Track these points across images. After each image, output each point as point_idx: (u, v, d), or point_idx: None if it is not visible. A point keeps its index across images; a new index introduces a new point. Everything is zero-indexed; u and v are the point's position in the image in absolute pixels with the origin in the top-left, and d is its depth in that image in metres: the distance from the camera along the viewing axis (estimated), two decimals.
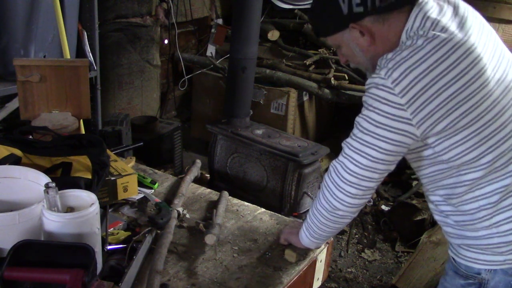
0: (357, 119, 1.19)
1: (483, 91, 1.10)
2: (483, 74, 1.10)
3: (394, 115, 1.11)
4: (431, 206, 1.31)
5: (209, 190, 1.88)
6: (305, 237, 1.43)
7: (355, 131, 1.19)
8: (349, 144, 1.20)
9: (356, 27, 1.18)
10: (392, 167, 1.20)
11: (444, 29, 1.12)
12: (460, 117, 1.10)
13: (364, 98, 1.18)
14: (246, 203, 1.80)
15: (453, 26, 1.13)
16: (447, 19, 1.14)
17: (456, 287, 1.27)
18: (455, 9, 1.18)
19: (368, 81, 1.16)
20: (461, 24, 1.15)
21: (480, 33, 1.16)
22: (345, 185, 1.21)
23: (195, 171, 1.98)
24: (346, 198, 1.23)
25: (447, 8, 1.17)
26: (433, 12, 1.15)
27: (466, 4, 1.22)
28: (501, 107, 1.13)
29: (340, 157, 1.23)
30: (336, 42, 1.27)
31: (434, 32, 1.11)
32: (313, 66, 3.71)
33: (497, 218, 1.17)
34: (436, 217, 1.31)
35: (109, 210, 1.60)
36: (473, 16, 1.20)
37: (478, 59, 1.10)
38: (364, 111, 1.17)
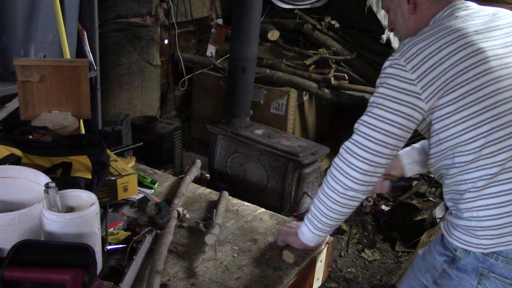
0: (371, 98, 1.29)
1: (486, 77, 1.19)
2: (487, 63, 1.19)
3: (404, 89, 1.21)
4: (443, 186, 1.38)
5: (209, 190, 1.88)
6: (307, 231, 1.43)
7: (369, 108, 1.28)
8: (362, 121, 1.27)
9: None
10: (401, 144, 1.27)
11: (463, 21, 1.25)
12: (461, 96, 1.19)
13: (378, 80, 1.28)
14: (246, 203, 1.80)
15: (476, 21, 1.25)
16: (475, 16, 1.27)
17: (435, 252, 1.34)
18: (493, 12, 1.31)
19: (384, 64, 1.27)
20: (488, 22, 1.26)
21: (507, 34, 1.27)
22: (357, 161, 1.26)
23: (195, 171, 1.98)
24: (357, 175, 1.27)
25: (484, 10, 1.31)
26: (467, 10, 1.28)
27: (508, 15, 1.33)
28: (502, 97, 1.20)
29: (354, 136, 1.29)
30: (388, 4, 1.42)
31: (452, 22, 1.24)
32: (313, 66, 3.71)
33: (479, 203, 1.23)
34: (444, 196, 1.37)
35: (109, 210, 1.60)
36: (511, 22, 1.31)
37: (484, 49, 1.20)
38: (378, 89, 1.27)
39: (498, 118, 1.19)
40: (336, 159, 1.32)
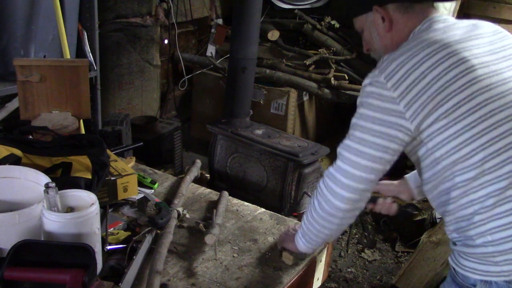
0: (352, 119, 1.21)
1: (475, 86, 1.12)
2: (474, 71, 1.12)
3: (387, 109, 1.14)
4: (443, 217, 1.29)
5: (209, 190, 1.88)
6: (302, 244, 1.41)
7: (350, 131, 1.21)
8: (345, 145, 1.21)
9: (379, 10, 1.27)
10: (388, 167, 1.20)
11: (443, 32, 1.19)
12: (451, 109, 1.12)
13: (358, 99, 1.21)
14: (246, 203, 1.80)
15: (456, 31, 1.19)
16: (455, 27, 1.21)
17: None
18: (473, 22, 1.25)
19: (364, 81, 1.20)
20: (469, 31, 1.20)
21: (490, 42, 1.20)
22: (341, 190, 1.21)
23: (195, 171, 1.98)
24: (342, 205, 1.22)
25: (463, 21, 1.25)
26: (445, 22, 1.23)
27: (493, 26, 1.27)
28: (497, 105, 1.12)
29: (338, 162, 1.22)
30: (361, 24, 1.35)
31: (431, 34, 1.18)
32: (313, 66, 3.71)
33: (492, 225, 1.13)
34: (445, 228, 1.28)
35: (109, 210, 1.60)
36: (493, 31, 1.25)
37: (468, 58, 1.14)
38: (359, 110, 1.20)
39: (495, 128, 1.11)
40: (322, 186, 1.27)
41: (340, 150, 1.22)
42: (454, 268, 1.23)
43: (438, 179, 1.20)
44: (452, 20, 1.26)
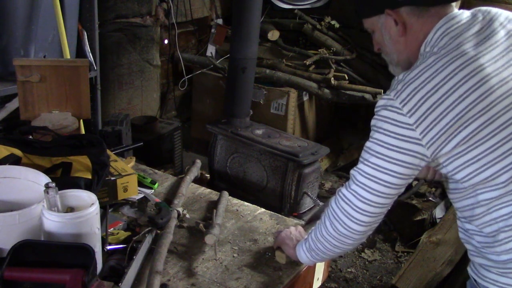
0: (367, 143, 1.18)
1: (497, 107, 1.07)
2: (494, 92, 1.07)
3: (403, 135, 1.10)
4: (458, 222, 1.28)
5: (209, 190, 1.88)
6: (305, 257, 1.39)
7: (365, 155, 1.17)
8: (360, 170, 1.18)
9: (391, 14, 1.19)
10: (402, 190, 1.19)
11: (457, 47, 1.11)
12: (471, 134, 1.07)
13: (372, 122, 1.17)
14: (246, 203, 1.80)
15: (469, 44, 1.11)
16: (467, 36, 1.13)
17: None
18: (487, 24, 1.16)
19: (378, 103, 1.16)
20: (482, 42, 1.12)
21: (506, 50, 1.13)
22: (358, 214, 1.19)
23: (195, 171, 1.98)
24: (358, 227, 1.21)
25: (477, 23, 1.16)
26: (457, 28, 1.14)
27: (504, 26, 1.17)
28: None
29: (352, 185, 1.20)
30: (371, 25, 1.27)
31: (445, 50, 1.11)
32: (313, 66, 3.71)
33: None
34: (460, 235, 1.27)
35: (109, 210, 1.60)
36: (506, 34, 1.15)
37: (488, 77, 1.08)
38: (374, 135, 1.16)
39: None
40: (335, 207, 1.24)
41: (354, 173, 1.20)
42: (475, 279, 1.22)
43: (460, 195, 1.18)
44: (465, 19, 1.16)
